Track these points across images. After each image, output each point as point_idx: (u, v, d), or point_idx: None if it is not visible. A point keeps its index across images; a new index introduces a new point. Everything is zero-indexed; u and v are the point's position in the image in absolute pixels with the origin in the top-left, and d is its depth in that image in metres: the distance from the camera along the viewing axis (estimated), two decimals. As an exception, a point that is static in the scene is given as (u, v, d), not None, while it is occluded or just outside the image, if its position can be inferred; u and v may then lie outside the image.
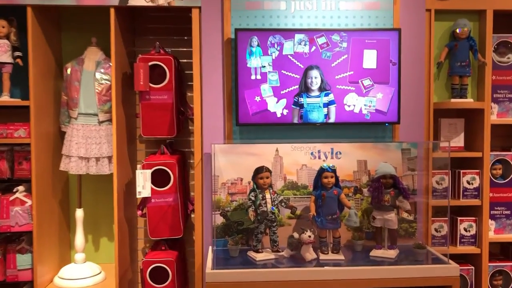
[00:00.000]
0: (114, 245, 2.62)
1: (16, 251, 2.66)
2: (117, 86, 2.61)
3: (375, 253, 2.43)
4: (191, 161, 2.97)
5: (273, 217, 2.39)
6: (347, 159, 2.62)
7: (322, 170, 2.40)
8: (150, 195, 2.67)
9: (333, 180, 2.40)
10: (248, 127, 2.63)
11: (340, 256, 2.38)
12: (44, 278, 2.69)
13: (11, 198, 2.61)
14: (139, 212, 2.76)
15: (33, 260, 2.58)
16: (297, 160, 2.61)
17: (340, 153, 2.62)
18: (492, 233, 2.78)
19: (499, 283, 2.80)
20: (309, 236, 2.31)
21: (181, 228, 2.74)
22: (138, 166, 2.67)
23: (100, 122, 2.72)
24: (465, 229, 2.76)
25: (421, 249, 2.33)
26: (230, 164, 2.58)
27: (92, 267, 2.83)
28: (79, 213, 2.82)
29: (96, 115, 2.71)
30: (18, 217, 2.60)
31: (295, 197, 2.62)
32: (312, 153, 2.61)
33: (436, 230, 2.74)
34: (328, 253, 2.40)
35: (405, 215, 2.37)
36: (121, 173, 2.73)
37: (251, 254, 2.42)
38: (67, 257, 2.92)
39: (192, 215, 2.88)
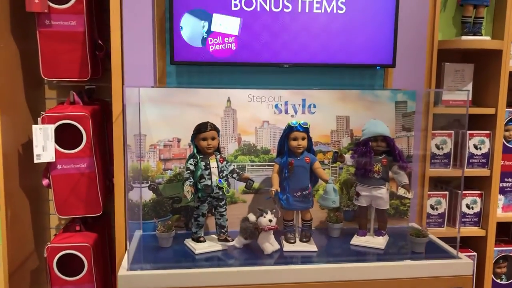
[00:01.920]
0: (0, 225, 1.89)
1: None
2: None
3: (358, 240, 1.80)
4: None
5: (221, 193, 1.70)
6: (324, 114, 1.93)
7: (290, 129, 1.71)
8: (53, 159, 1.93)
9: (304, 143, 1.72)
10: (188, 67, 1.89)
11: (312, 246, 1.73)
12: None
13: None
14: (44, 182, 2.02)
15: None
16: (256, 115, 1.91)
17: (315, 106, 1.93)
18: (499, 210, 2.20)
19: (503, 271, 2.25)
20: (270, 220, 1.65)
21: (100, 204, 2.04)
22: (39, 120, 1.91)
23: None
24: (468, 206, 2.17)
25: (421, 238, 1.71)
26: (163, 118, 1.85)
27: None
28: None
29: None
30: None
31: (252, 166, 1.93)
32: (276, 106, 1.91)
33: (432, 207, 2.14)
34: (295, 242, 1.76)
35: (401, 191, 1.73)
36: (14, 129, 1.96)
37: (189, 243, 1.75)
38: None
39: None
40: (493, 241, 2.17)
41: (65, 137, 1.95)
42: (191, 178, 1.66)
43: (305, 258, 1.67)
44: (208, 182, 1.67)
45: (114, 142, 1.87)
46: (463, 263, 1.65)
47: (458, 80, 2.13)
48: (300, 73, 1.95)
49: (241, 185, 1.85)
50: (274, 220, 1.66)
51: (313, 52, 1.87)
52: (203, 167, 1.68)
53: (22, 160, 2.03)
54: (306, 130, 1.72)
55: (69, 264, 2.03)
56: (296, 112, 1.92)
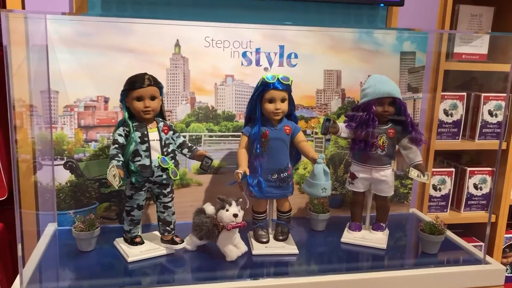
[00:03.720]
0: None
1: None
2: None
3: (351, 237, 1.35)
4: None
5: (165, 177, 1.18)
6: (308, 67, 1.43)
7: (264, 87, 1.20)
8: None
9: (284, 106, 1.22)
10: (120, -6, 1.33)
11: (291, 247, 1.27)
12: None
13: None
14: None
15: None
16: (216, 66, 1.38)
17: (296, 55, 1.42)
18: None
19: (509, 261, 1.89)
20: (235, 215, 1.16)
21: (4, 185, 1.49)
22: None
23: None
24: (476, 186, 1.76)
25: (437, 236, 1.28)
26: (83, 68, 1.30)
27: None
28: None
29: None
30: None
31: (210, 137, 1.43)
32: (245, 54, 1.39)
33: (434, 187, 1.72)
34: (268, 241, 1.29)
35: (414, 173, 1.28)
36: None
37: (121, 246, 1.24)
38: None
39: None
40: (504, 227, 1.78)
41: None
42: (119, 155, 1.14)
43: (283, 266, 1.21)
44: (146, 162, 1.15)
45: (16, 101, 1.31)
46: (492, 270, 1.24)
47: (474, 26, 1.67)
48: (279, 9, 1.42)
49: (195, 163, 1.35)
50: (241, 214, 1.18)
51: (295, -21, 1.35)
52: (138, 140, 1.15)
53: None
54: (287, 88, 1.21)
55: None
56: (271, 63, 1.41)
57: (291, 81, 1.21)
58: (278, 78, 1.19)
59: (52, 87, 1.29)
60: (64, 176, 1.35)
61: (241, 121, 1.42)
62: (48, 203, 1.39)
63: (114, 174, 1.08)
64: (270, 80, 1.19)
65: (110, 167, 1.09)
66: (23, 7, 1.30)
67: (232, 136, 1.43)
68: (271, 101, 1.20)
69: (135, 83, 1.15)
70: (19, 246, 1.03)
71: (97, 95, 1.33)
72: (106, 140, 1.36)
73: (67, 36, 1.27)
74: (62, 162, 1.34)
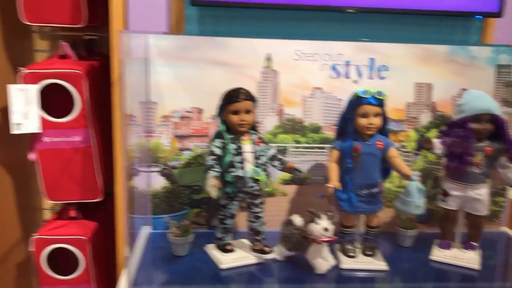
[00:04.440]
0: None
1: None
2: None
3: (441, 255, 1.32)
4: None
5: (257, 188, 1.22)
6: (398, 79, 1.42)
7: (358, 102, 1.21)
8: (39, 130, 1.48)
9: (377, 121, 1.22)
10: (215, 9, 1.38)
11: (380, 263, 1.26)
12: None
13: None
14: (30, 155, 1.57)
15: None
16: (305, 78, 1.40)
17: (387, 68, 1.41)
18: None
19: None
20: (326, 229, 1.18)
21: (99, 187, 1.60)
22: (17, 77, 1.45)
23: None
24: None
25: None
26: (180, 80, 1.36)
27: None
28: None
29: None
30: None
31: (296, 149, 1.45)
32: (334, 67, 1.40)
33: (526, 205, 1.63)
34: (356, 256, 1.29)
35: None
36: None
37: (213, 253, 1.29)
38: None
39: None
40: None
41: (55, 102, 1.49)
42: (216, 166, 1.19)
43: (372, 281, 1.20)
44: (240, 172, 1.20)
45: (113, 111, 1.40)
46: None
47: None
48: (369, 22, 1.42)
49: (281, 173, 1.37)
50: (331, 228, 1.19)
51: (389, -8, 1.34)
52: (234, 152, 1.19)
53: (2, 129, 1.58)
54: (381, 103, 1.21)
55: (63, 259, 1.62)
56: (360, 76, 1.40)
57: (385, 96, 1.21)
58: (372, 94, 1.19)
59: (153, 97, 1.36)
60: (159, 182, 1.42)
61: (328, 133, 1.42)
62: (143, 207, 1.47)
63: (212, 184, 1.13)
64: (364, 95, 1.19)
65: (209, 177, 1.14)
66: (125, 23, 1.38)
67: (319, 148, 1.45)
68: (365, 116, 1.20)
69: (231, 98, 1.19)
70: (126, 248, 1.10)
71: (192, 106, 1.39)
72: (199, 149, 1.41)
73: (166, 50, 1.34)
74: (158, 169, 1.41)
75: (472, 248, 1.32)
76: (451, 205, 1.30)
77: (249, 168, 1.21)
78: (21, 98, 1.44)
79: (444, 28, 1.46)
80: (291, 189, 1.47)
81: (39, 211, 1.92)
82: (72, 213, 1.69)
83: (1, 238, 1.62)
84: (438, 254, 1.32)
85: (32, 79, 1.46)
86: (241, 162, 1.20)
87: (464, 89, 1.38)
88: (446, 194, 1.30)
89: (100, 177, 1.59)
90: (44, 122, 1.49)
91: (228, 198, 1.23)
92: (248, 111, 1.20)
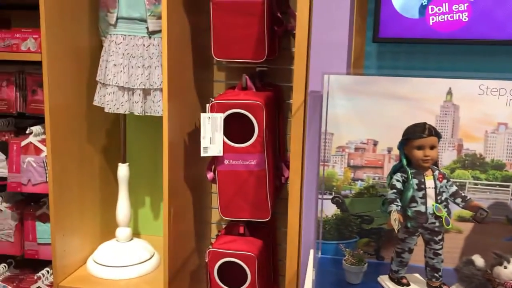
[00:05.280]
0: (163, 221, 1.69)
1: (35, 217, 1.85)
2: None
3: None
4: (291, 102, 1.86)
5: (437, 224, 1.21)
6: None
7: (557, 140, 1.14)
8: (221, 154, 1.66)
9: None
10: (394, 46, 1.42)
11: None
12: (74, 258, 1.87)
13: (23, 143, 1.76)
14: (209, 175, 1.76)
15: (51, 233, 1.74)
16: (487, 113, 1.36)
17: None
18: None
19: None
20: (515, 275, 1.12)
21: (269, 208, 1.73)
22: (207, 106, 1.65)
23: (151, 33, 1.72)
24: None
25: None
26: (356, 113, 1.42)
27: (139, 248, 1.96)
28: (123, 170, 1.92)
29: (145, 20, 1.71)
30: (31, 171, 1.76)
31: (475, 185, 1.40)
32: (521, 102, 1.33)
33: None
34: (545, 306, 1.19)
35: None
36: (181, 116, 1.74)
37: (387, 283, 1.30)
38: (112, 228, 2.04)
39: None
40: None
41: (231, 125, 1.66)
42: (398, 200, 1.21)
43: None
44: (422, 208, 1.20)
45: (292, 140, 1.51)
46: None
47: None
48: None
49: (457, 209, 1.34)
50: (521, 274, 1.12)
51: None
52: (416, 187, 1.20)
53: (187, 151, 1.80)
54: None
55: (228, 271, 1.77)
56: (552, 112, 1.32)
57: None
58: None
59: (330, 129, 1.44)
60: (330, 210, 1.48)
61: (511, 171, 1.36)
62: (311, 231, 1.54)
63: (395, 218, 1.15)
64: None
65: (392, 210, 1.17)
66: (308, 59, 1.48)
67: (500, 186, 1.38)
68: None
69: (415, 133, 1.21)
70: (310, 271, 1.17)
71: (367, 138, 1.43)
72: (371, 180, 1.45)
73: (345, 84, 1.40)
74: (330, 197, 1.48)
75: None
76: None
77: (431, 204, 1.20)
78: (210, 125, 1.63)
79: None
80: (467, 226, 1.42)
81: (208, 225, 2.13)
82: (241, 229, 1.83)
83: (182, 247, 1.82)
84: None
85: (219, 108, 1.64)
86: (423, 198, 1.20)
87: None
88: None
89: (270, 199, 1.72)
90: (226, 146, 1.66)
91: (408, 233, 1.24)
92: (432, 147, 1.20)
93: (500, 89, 1.33)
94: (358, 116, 1.42)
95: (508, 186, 1.34)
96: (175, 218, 1.72)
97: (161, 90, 1.72)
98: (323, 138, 1.44)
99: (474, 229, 1.42)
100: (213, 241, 1.86)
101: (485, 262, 1.19)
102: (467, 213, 1.35)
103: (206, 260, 1.76)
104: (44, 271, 1.85)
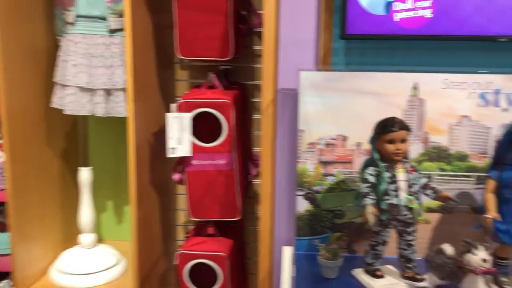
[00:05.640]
0: (131, 225, 1.63)
1: (-8, 227, 1.75)
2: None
3: None
4: (257, 101, 1.85)
5: (410, 216, 1.24)
6: (553, 108, 1.37)
7: (519, 131, 1.20)
8: (190, 154, 1.63)
9: (541, 151, 1.20)
10: (361, 42, 1.44)
11: (539, 298, 1.22)
12: (36, 267, 1.78)
13: (-23, 149, 1.65)
14: (175, 176, 1.72)
15: (11, 242, 1.64)
16: (451, 106, 1.41)
17: (541, 96, 1.37)
18: None
19: None
20: (484, 260, 1.16)
21: (238, 207, 1.71)
22: (172, 106, 1.61)
23: (112, 31, 1.66)
24: None
25: None
26: (326, 109, 1.43)
27: (105, 254, 1.89)
28: (84, 174, 1.84)
29: (104, 18, 1.65)
30: (-12, 178, 1.65)
31: (441, 177, 1.44)
32: (482, 96, 1.39)
33: None
34: (511, 289, 1.26)
35: None
36: (146, 117, 1.68)
37: (362, 277, 1.32)
38: (75, 235, 1.95)
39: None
40: None
41: (198, 125, 1.63)
42: (372, 193, 1.23)
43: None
44: (394, 200, 1.23)
45: (262, 138, 1.50)
46: None
47: None
48: (521, 50, 1.40)
49: (425, 200, 1.38)
50: (490, 259, 1.17)
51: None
52: (388, 180, 1.23)
53: (153, 152, 1.76)
54: (546, 133, 1.19)
55: (198, 273, 1.74)
56: (510, 104, 1.38)
57: (550, 126, 1.18)
58: (535, 124, 1.17)
59: (299, 126, 1.44)
60: (303, 206, 1.49)
61: (475, 161, 1.41)
62: (285, 227, 1.54)
63: (371, 212, 1.17)
64: (526, 125, 1.18)
65: (366, 204, 1.18)
66: (275, 56, 1.48)
67: (464, 175, 1.43)
68: (527, 146, 1.19)
69: (386, 127, 1.23)
70: (289, 268, 1.17)
71: (337, 134, 1.45)
72: (342, 175, 1.47)
73: (314, 81, 1.41)
74: (302, 193, 1.48)
75: None
76: None
77: (403, 196, 1.23)
78: (176, 125, 1.59)
79: None
80: (434, 217, 1.46)
81: (174, 228, 2.08)
82: (211, 230, 1.81)
83: (150, 251, 1.78)
84: None
85: (186, 107, 1.60)
86: (395, 190, 1.23)
87: None
88: None
89: (239, 198, 1.70)
90: (194, 146, 1.63)
91: (382, 226, 1.26)
92: (403, 141, 1.23)
93: (462, 83, 1.38)
94: (328, 113, 1.43)
95: (471, 176, 1.39)
96: (143, 221, 1.67)
97: (123, 90, 1.66)
98: (297, 134, 1.44)
99: (441, 219, 1.47)
100: (180, 243, 1.83)
101: (454, 250, 1.24)
102: (435, 204, 1.40)
103: (175, 263, 1.73)
104: (4, 283, 1.74)
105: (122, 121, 1.61)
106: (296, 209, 1.48)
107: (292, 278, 1.22)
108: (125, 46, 1.53)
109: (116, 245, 2.00)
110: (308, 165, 1.47)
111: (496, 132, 1.37)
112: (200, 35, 1.61)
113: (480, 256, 1.17)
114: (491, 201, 1.22)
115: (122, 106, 1.68)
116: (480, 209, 1.30)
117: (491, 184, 1.24)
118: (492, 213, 1.20)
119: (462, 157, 1.43)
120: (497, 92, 1.38)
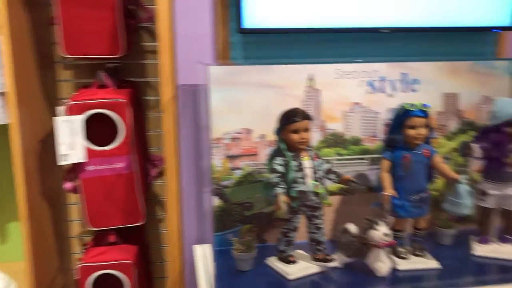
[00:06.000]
0: (23, 243, 1.48)
1: None
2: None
3: (481, 250, 1.44)
4: (149, 98, 1.76)
5: (317, 200, 1.30)
6: (428, 91, 1.53)
7: (406, 115, 1.31)
8: (84, 160, 1.51)
9: (425, 132, 1.33)
10: (258, 36, 1.46)
11: (431, 262, 1.37)
12: None
13: None
14: (67, 185, 1.59)
15: None
16: (344, 95, 1.50)
17: (419, 81, 1.52)
18: None
19: None
20: (386, 234, 1.27)
21: (141, 211, 1.64)
22: (60, 109, 1.48)
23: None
24: None
25: None
26: (229, 104, 1.43)
27: (-8, 280, 1.68)
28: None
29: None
30: None
31: (339, 161, 1.54)
32: (370, 83, 1.50)
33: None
34: (408, 257, 1.38)
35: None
36: (31, 123, 1.53)
37: (276, 265, 1.36)
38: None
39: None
40: None
41: (91, 130, 1.52)
42: (282, 183, 1.26)
43: (430, 279, 1.30)
44: (303, 187, 1.28)
45: (165, 136, 1.46)
46: None
47: None
48: (401, 40, 1.53)
49: (330, 185, 1.46)
50: (390, 233, 1.28)
51: (417, 13, 1.46)
52: (296, 168, 1.27)
53: (41, 160, 1.60)
54: (427, 114, 1.32)
55: (102, 285, 1.64)
56: (395, 90, 1.51)
57: (431, 107, 1.32)
58: (419, 106, 1.30)
59: (204, 122, 1.42)
60: (212, 202, 1.48)
61: (368, 144, 1.52)
62: (193, 225, 1.52)
63: (283, 201, 1.21)
64: (411, 108, 1.30)
65: (278, 194, 1.21)
66: (172, 51, 1.44)
67: (358, 158, 1.54)
68: (413, 127, 1.31)
69: (290, 118, 1.27)
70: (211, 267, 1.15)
71: (241, 128, 1.46)
72: (249, 168, 1.48)
73: (216, 76, 1.40)
74: (211, 189, 1.47)
75: (509, 241, 1.45)
76: (489, 203, 1.42)
77: (310, 182, 1.29)
78: (67, 129, 1.47)
79: (464, 42, 1.59)
80: (335, 199, 1.55)
81: (67, 241, 1.93)
82: (112, 238, 1.71)
83: (45, 269, 1.63)
84: (480, 249, 1.44)
85: (77, 110, 1.49)
86: (303, 178, 1.28)
87: (486, 97, 1.52)
88: (484, 193, 1.42)
89: (142, 201, 1.63)
90: (89, 151, 1.52)
91: (292, 212, 1.30)
92: (306, 130, 1.28)
93: (352, 72, 1.48)
94: (231, 107, 1.43)
95: (363, 159, 1.50)
96: (35, 237, 1.52)
97: (2, 94, 1.49)
98: (205, 130, 1.42)
99: (342, 201, 1.56)
100: (78, 256, 1.70)
101: (358, 228, 1.33)
102: (335, 187, 1.49)
103: (76, 277, 1.60)
104: None
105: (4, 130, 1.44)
106: (205, 206, 1.46)
107: (215, 276, 1.20)
108: (1, 46, 1.36)
109: (2, 267, 1.80)
110: (216, 160, 1.46)
111: (384, 116, 1.49)
112: (87, 31, 1.50)
113: (382, 231, 1.27)
114: (387, 180, 1.33)
115: (2, 113, 1.51)
116: (376, 188, 1.40)
117: (386, 164, 1.35)
118: (389, 191, 1.31)
119: (356, 141, 1.54)
120: (382, 79, 1.50)
